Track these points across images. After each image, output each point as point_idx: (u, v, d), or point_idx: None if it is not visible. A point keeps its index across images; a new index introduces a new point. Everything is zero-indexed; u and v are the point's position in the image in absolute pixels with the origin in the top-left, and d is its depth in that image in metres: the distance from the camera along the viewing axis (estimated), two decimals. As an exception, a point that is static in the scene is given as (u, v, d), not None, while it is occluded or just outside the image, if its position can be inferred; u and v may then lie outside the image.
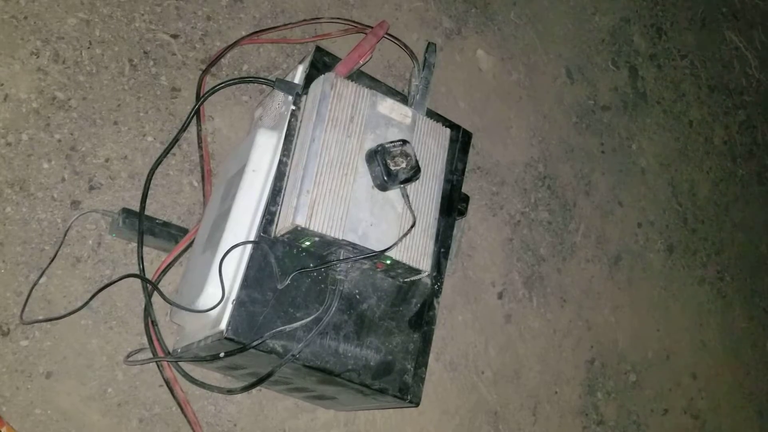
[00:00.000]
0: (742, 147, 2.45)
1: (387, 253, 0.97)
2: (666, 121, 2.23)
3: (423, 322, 1.09)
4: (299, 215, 0.92)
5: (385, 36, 1.21)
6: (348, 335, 1.01)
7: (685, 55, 2.38)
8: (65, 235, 1.13)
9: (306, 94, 1.06)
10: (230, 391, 1.10)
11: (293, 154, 1.01)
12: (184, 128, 1.22)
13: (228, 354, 0.95)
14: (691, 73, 2.38)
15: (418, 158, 0.98)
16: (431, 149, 1.07)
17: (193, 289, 1.02)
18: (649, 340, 1.95)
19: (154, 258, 1.19)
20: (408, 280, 1.07)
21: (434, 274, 1.11)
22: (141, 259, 1.13)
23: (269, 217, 0.98)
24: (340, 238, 0.94)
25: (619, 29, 2.21)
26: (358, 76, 1.13)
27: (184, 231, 1.18)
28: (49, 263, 1.11)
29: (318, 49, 1.12)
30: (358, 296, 1.03)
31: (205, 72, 1.31)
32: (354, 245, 0.95)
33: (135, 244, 1.14)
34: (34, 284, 1.09)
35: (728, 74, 2.51)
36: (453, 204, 1.18)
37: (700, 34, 2.46)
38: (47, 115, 1.18)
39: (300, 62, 1.15)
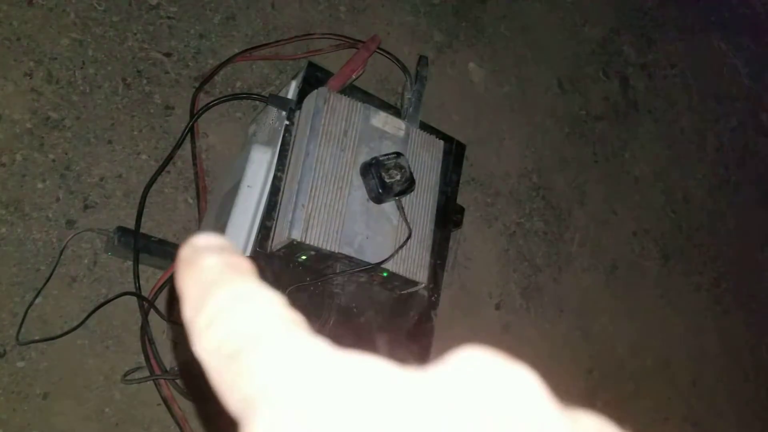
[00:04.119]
0: (734, 153, 2.46)
1: (383, 266, 0.97)
2: (658, 130, 2.24)
3: (420, 334, 1.09)
4: (295, 229, 0.92)
5: (377, 50, 1.22)
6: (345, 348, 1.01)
7: (675, 64, 2.40)
8: (61, 254, 1.13)
9: (299, 109, 1.06)
10: (229, 408, 1.10)
11: (288, 169, 1.01)
12: (178, 145, 1.23)
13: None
14: (682, 82, 2.39)
15: (412, 170, 0.99)
16: (425, 161, 1.07)
17: (190, 306, 1.01)
18: (647, 348, 1.95)
19: (150, 276, 1.19)
20: (405, 292, 1.07)
21: (431, 286, 1.11)
22: (137, 277, 1.12)
23: (265, 232, 0.98)
24: (336, 251, 0.94)
25: (608, 40, 2.22)
26: (350, 90, 1.13)
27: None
28: (45, 283, 1.10)
29: (310, 64, 1.12)
30: (355, 309, 1.03)
31: (198, 89, 1.31)
32: (350, 258, 0.95)
33: (131, 263, 1.14)
34: (30, 305, 1.09)
35: (718, 82, 2.53)
36: (448, 215, 1.18)
37: (689, 43, 2.48)
38: (41, 135, 1.18)
39: (293, 78, 1.15)
